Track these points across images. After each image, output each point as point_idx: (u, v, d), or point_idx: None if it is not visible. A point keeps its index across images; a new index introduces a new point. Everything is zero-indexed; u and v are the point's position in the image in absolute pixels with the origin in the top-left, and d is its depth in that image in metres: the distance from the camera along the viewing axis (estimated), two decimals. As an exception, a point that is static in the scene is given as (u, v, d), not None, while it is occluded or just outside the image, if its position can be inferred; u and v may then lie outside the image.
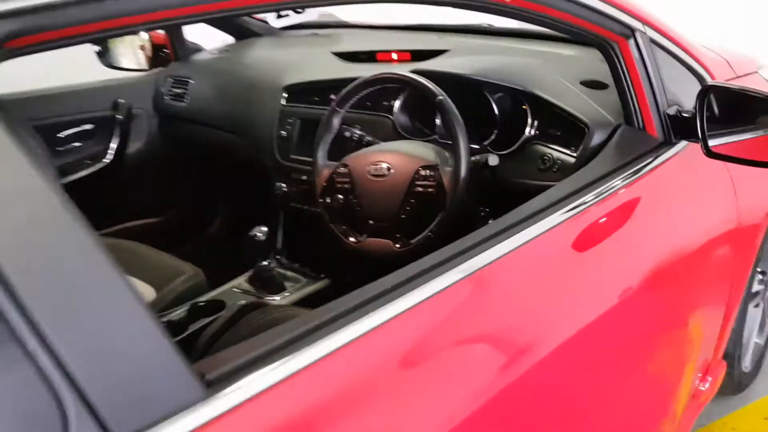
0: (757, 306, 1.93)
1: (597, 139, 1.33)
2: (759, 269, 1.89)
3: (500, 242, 0.91)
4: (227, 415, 0.58)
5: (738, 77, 1.69)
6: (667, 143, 1.34)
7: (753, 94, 1.26)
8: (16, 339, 0.48)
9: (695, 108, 1.26)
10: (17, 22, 0.54)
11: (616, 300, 1.07)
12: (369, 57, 1.91)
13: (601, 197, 1.12)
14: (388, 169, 1.41)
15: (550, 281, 0.99)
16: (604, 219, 1.12)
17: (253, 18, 2.41)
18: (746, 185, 1.52)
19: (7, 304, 0.48)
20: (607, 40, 1.27)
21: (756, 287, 1.85)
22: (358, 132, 1.63)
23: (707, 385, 1.65)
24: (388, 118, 1.68)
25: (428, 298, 0.78)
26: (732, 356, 1.78)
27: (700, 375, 1.65)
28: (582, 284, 1.04)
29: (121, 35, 1.94)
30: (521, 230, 0.95)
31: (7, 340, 0.48)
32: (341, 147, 1.60)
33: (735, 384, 1.92)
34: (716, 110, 1.28)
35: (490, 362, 0.85)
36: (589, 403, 1.07)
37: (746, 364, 1.96)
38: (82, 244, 0.53)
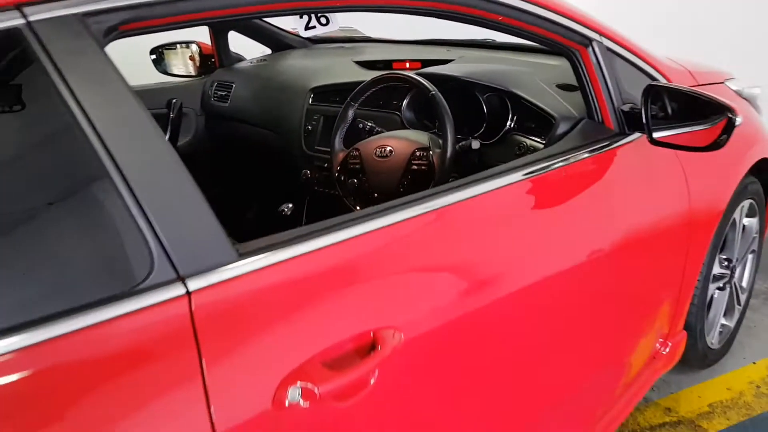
0: (722, 289, 2.18)
1: (562, 129, 1.62)
2: (724, 256, 2.14)
3: (463, 190, 1.20)
4: (252, 274, 0.89)
5: (699, 85, 1.96)
6: (622, 134, 1.61)
7: (689, 93, 1.54)
8: (131, 214, 0.80)
9: (641, 104, 1.54)
10: (130, 13, 0.87)
11: (567, 258, 1.36)
12: (385, 65, 2.23)
13: (556, 167, 1.40)
14: (390, 151, 1.72)
15: (508, 228, 1.28)
16: (557, 185, 1.40)
17: (288, 32, 2.76)
18: (700, 178, 1.78)
19: (128, 196, 0.79)
20: (570, 49, 1.56)
21: (719, 270, 2.10)
22: (370, 124, 1.95)
23: (668, 350, 1.90)
24: (397, 114, 1.99)
25: (397, 222, 1.07)
26: (694, 329, 2.03)
27: (661, 341, 1.90)
28: (535, 238, 1.33)
29: (200, 25, 2.30)
30: (484, 183, 1.24)
31: (125, 215, 0.80)
32: (357, 136, 1.92)
33: (701, 357, 2.16)
34: (663, 107, 1.57)
35: (449, 287, 1.14)
36: (544, 346, 1.34)
37: (712, 341, 2.20)
38: (176, 168, 0.85)
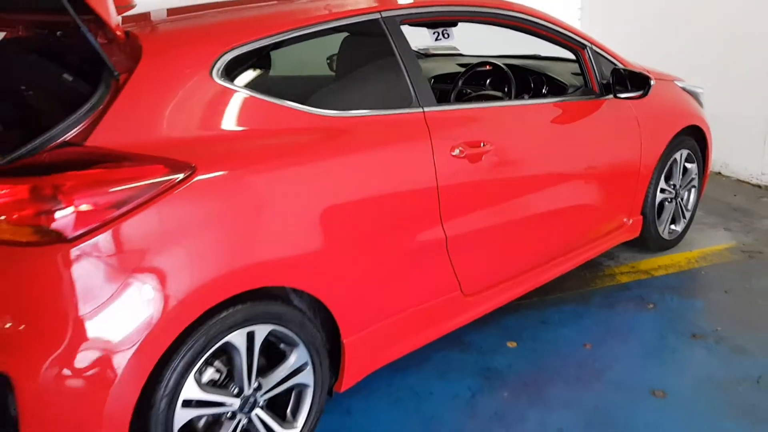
0: (669, 202, 3.66)
1: (570, 91, 3.19)
2: (671, 182, 3.63)
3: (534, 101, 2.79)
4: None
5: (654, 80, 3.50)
6: (601, 95, 3.17)
7: (631, 71, 3.09)
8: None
9: (610, 78, 3.10)
10: (410, 11, 2.48)
11: (576, 146, 2.92)
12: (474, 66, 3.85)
13: (570, 101, 2.98)
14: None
15: (550, 119, 2.85)
16: (559, 111, 2.97)
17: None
18: (647, 126, 3.31)
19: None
20: (576, 50, 3.15)
21: (664, 186, 3.57)
22: (468, 91, 3.54)
23: (630, 222, 3.41)
24: (482, 85, 3.58)
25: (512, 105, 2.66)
26: (647, 217, 3.51)
27: (626, 218, 3.41)
28: (560, 132, 2.89)
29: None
30: (541, 99, 2.83)
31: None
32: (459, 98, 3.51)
33: (655, 240, 3.64)
34: (621, 81, 3.12)
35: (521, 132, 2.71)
36: (562, 198, 2.89)
37: (664, 234, 3.67)
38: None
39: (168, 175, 1.75)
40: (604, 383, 2.60)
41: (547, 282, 3.00)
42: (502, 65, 3.35)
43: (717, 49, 4.86)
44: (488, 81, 3.54)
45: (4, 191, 1.64)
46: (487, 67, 3.42)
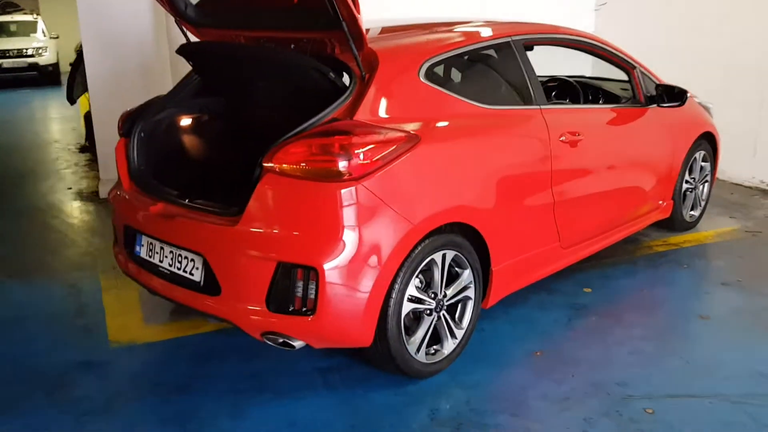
0: (690, 192, 4.64)
1: (623, 102, 4.16)
2: (691, 176, 4.60)
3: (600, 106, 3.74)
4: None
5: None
6: (646, 104, 4.14)
7: (673, 86, 4.08)
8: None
9: (655, 92, 4.08)
10: (528, 37, 3.41)
11: (630, 143, 3.88)
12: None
13: (622, 107, 3.94)
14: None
15: (612, 118, 3.80)
16: (622, 114, 3.93)
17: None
18: (676, 132, 4.30)
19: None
20: (626, 69, 4.12)
21: (687, 178, 4.55)
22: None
23: (664, 204, 4.37)
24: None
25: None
26: (677, 202, 4.48)
27: (660, 201, 4.37)
28: (620, 130, 3.85)
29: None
30: (603, 104, 3.78)
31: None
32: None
33: (681, 222, 4.60)
34: (663, 94, 4.10)
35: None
36: (620, 181, 3.84)
37: (687, 216, 4.64)
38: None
39: (408, 142, 2.63)
40: (663, 311, 3.53)
41: (610, 245, 3.92)
42: (569, 79, 4.31)
43: (718, 75, 5.92)
44: (553, 93, 4.50)
45: (307, 147, 2.50)
46: (562, 82, 4.39)
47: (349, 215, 2.48)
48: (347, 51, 2.78)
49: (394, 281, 2.62)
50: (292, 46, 3.00)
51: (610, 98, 4.31)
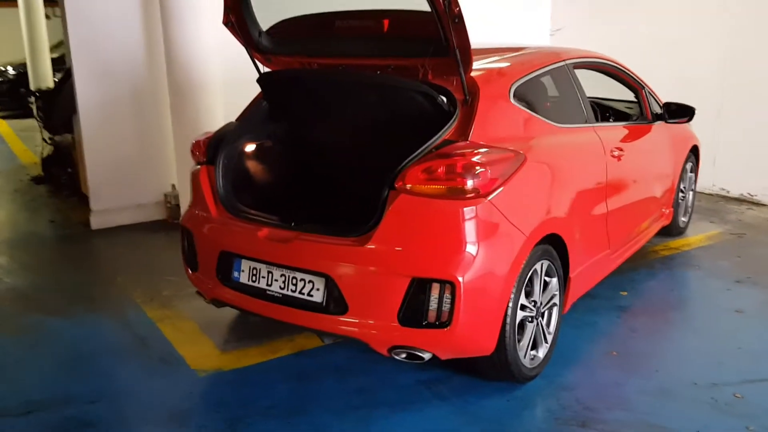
0: (682, 199, 5.09)
1: (633, 119, 4.54)
2: (683, 185, 5.06)
3: (616, 124, 4.08)
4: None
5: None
6: (653, 121, 4.54)
7: (678, 104, 4.50)
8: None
9: (662, 109, 4.49)
10: (578, 62, 3.70)
11: (641, 156, 4.24)
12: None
13: (634, 124, 4.31)
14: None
15: (626, 133, 4.14)
16: (641, 130, 4.30)
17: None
18: (676, 146, 4.74)
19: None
20: (635, 88, 4.51)
21: (681, 187, 5.01)
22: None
23: (667, 211, 4.78)
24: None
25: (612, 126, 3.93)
26: (676, 209, 4.91)
27: (664, 208, 4.77)
28: (634, 146, 4.20)
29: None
30: (618, 123, 4.12)
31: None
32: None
33: (676, 227, 5.04)
34: (669, 111, 4.52)
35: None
36: (637, 194, 4.18)
37: (680, 222, 5.09)
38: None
39: (517, 160, 2.81)
40: (700, 308, 3.89)
41: (638, 250, 4.25)
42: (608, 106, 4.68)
43: (676, 89, 6.50)
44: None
45: (435, 168, 2.62)
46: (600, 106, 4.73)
47: (479, 230, 2.62)
48: (440, 76, 2.93)
49: (513, 291, 2.78)
50: (378, 72, 3.12)
51: (622, 116, 4.69)
